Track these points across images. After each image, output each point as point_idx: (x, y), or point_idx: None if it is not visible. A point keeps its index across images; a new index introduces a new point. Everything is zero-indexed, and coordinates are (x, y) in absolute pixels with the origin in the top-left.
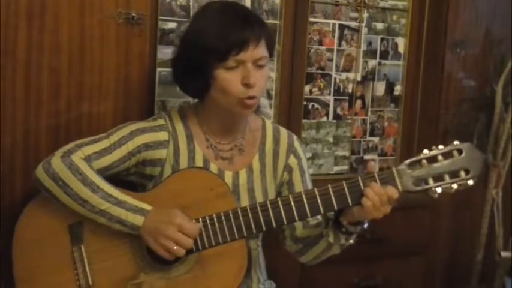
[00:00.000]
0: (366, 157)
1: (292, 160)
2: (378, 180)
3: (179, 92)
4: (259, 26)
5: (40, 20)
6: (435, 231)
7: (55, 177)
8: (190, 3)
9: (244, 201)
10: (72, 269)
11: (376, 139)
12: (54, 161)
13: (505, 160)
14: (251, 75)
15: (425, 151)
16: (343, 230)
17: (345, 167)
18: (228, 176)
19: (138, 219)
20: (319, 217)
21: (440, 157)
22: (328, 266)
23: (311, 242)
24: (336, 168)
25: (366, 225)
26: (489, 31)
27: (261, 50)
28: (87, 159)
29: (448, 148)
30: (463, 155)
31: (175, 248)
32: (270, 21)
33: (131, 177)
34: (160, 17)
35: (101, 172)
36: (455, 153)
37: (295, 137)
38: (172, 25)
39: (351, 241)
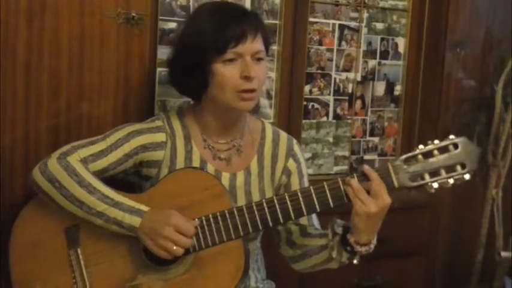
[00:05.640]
0: (366, 157)
1: (291, 163)
2: None
3: None
4: (256, 19)
5: (40, 20)
6: (435, 231)
7: (51, 178)
8: (190, 3)
9: (241, 204)
10: (69, 272)
11: (376, 139)
12: (51, 163)
13: (505, 160)
14: (251, 68)
15: (421, 146)
16: (348, 248)
17: (345, 167)
18: (225, 178)
19: (135, 220)
20: (319, 227)
21: (436, 152)
22: None
23: (311, 252)
24: (336, 168)
25: (372, 246)
26: (489, 31)
27: (259, 44)
28: (84, 161)
29: (444, 143)
30: (459, 149)
31: (174, 248)
32: (270, 21)
33: (129, 178)
34: (160, 17)
35: (97, 174)
36: (451, 147)
37: (295, 141)
38: (172, 25)
39: (355, 261)
